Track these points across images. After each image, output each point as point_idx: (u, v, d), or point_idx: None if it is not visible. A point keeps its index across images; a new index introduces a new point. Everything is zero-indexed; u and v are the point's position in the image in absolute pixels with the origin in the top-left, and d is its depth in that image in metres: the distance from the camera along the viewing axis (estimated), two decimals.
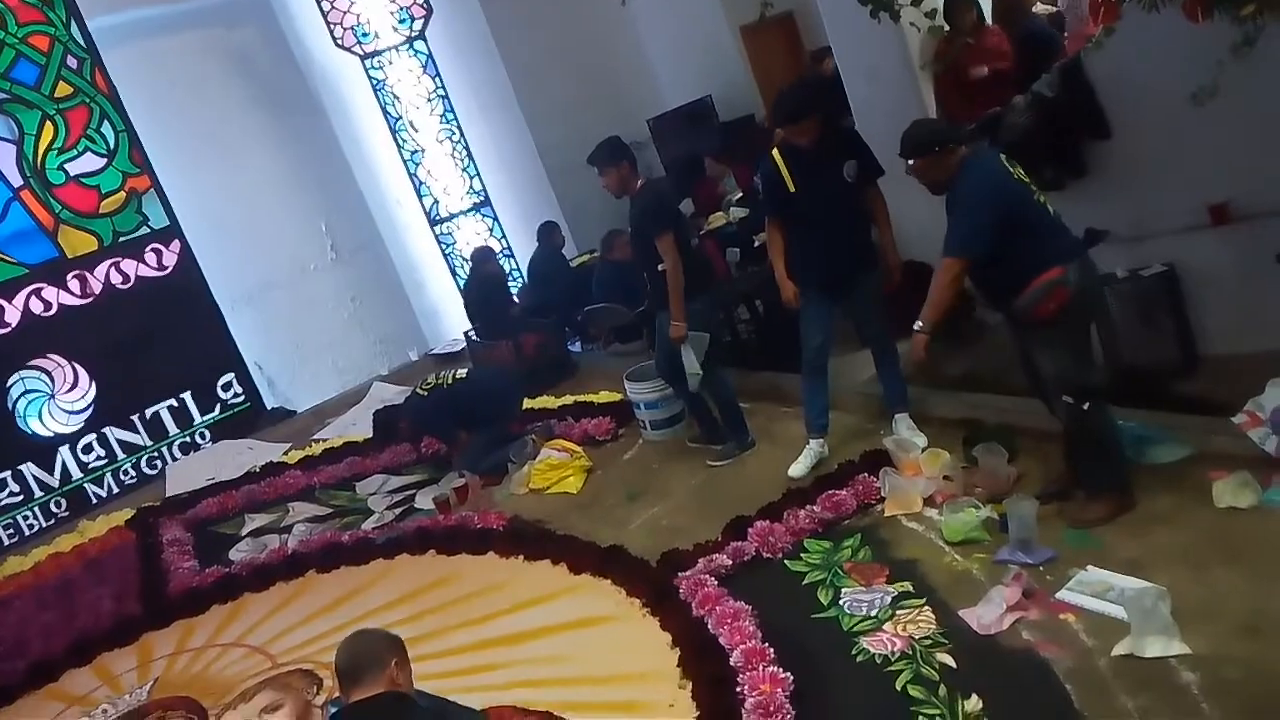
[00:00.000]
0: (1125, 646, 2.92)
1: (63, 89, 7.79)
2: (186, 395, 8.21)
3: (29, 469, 7.54)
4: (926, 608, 3.43)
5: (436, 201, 9.51)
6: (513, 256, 9.56)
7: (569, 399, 6.65)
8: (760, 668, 3.26)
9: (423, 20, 9.18)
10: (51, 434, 7.66)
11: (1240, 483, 3.43)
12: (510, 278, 9.15)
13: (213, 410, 8.35)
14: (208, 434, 8.28)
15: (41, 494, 7.60)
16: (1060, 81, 4.99)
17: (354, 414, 8.03)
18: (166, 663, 4.89)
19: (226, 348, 8.46)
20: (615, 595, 4.15)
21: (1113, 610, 3.08)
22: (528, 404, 6.58)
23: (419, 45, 9.26)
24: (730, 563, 4.03)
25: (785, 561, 4.00)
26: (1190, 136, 4.48)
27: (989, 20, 6.05)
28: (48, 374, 7.68)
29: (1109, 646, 2.95)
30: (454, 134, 9.44)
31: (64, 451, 7.68)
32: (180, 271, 8.26)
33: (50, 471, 7.62)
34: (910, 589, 3.56)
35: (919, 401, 4.80)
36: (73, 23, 7.81)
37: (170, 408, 8.13)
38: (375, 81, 9.21)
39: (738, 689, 3.21)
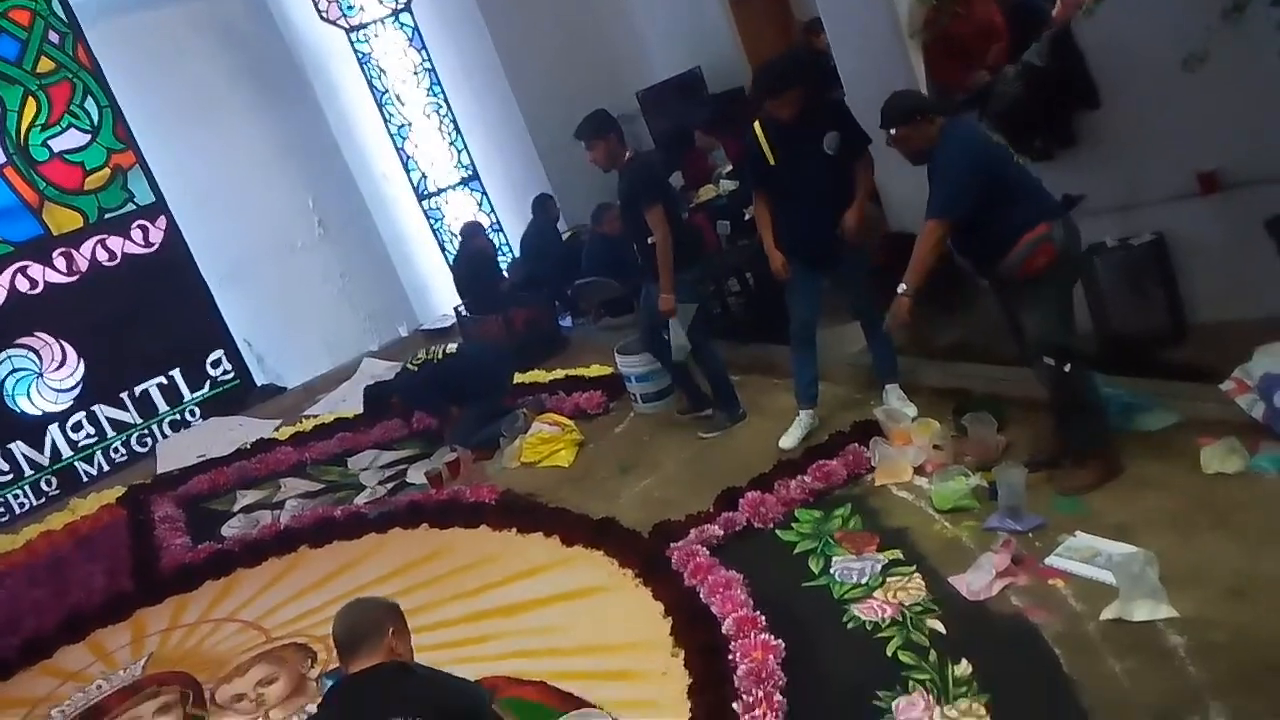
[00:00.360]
0: (1113, 610, 2.94)
1: (45, 64, 7.72)
2: (175, 373, 8.19)
3: (18, 447, 7.53)
4: (916, 575, 3.46)
5: (424, 176, 9.46)
6: (501, 231, 9.52)
7: (560, 373, 6.65)
8: (752, 635, 3.29)
9: None
10: (40, 412, 7.64)
11: (1228, 449, 3.45)
12: (499, 252, 9.12)
13: (202, 387, 8.33)
14: (198, 411, 8.26)
15: (32, 472, 7.59)
16: (1050, 50, 4.95)
17: (344, 390, 8.03)
18: (160, 638, 4.91)
19: (215, 325, 8.44)
20: (607, 566, 4.17)
21: (1101, 575, 3.11)
22: (518, 378, 6.58)
23: (405, 18, 9.17)
24: (722, 533, 4.05)
25: (776, 531, 4.02)
26: (1180, 104, 4.46)
27: None
28: (35, 352, 7.65)
29: (1097, 611, 2.98)
30: (441, 107, 9.37)
31: (53, 430, 7.67)
32: (167, 248, 8.21)
33: (40, 450, 7.61)
34: (900, 557, 3.59)
35: (909, 372, 4.81)
36: None
37: (159, 385, 8.12)
38: (361, 55, 9.13)
39: (729, 656, 3.24)
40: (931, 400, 4.58)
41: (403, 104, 9.27)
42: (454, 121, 9.41)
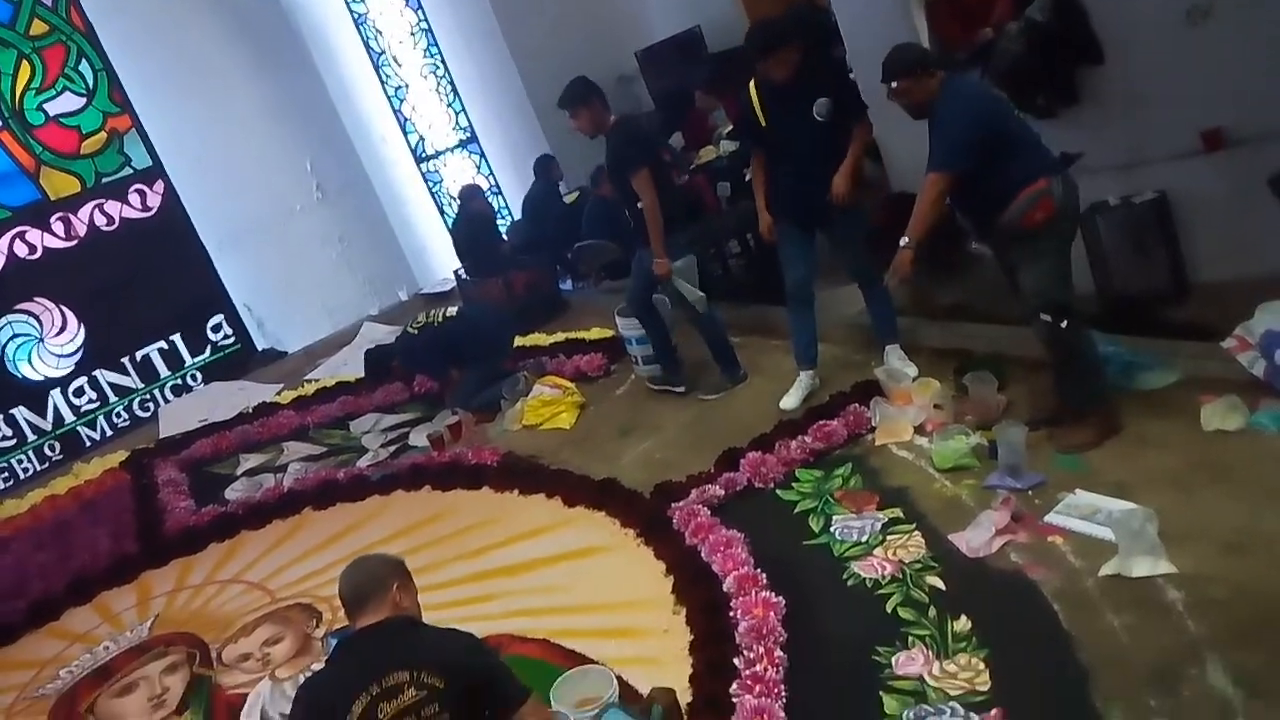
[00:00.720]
0: (1112, 567, 2.96)
1: (38, 27, 7.65)
2: (176, 337, 8.20)
3: (21, 412, 7.57)
4: (916, 533, 3.47)
5: (422, 138, 9.40)
6: (500, 194, 9.47)
7: (560, 336, 6.65)
8: (753, 593, 3.30)
9: None
10: (42, 378, 7.67)
11: (1229, 406, 3.45)
12: (499, 215, 9.07)
13: (203, 352, 8.34)
14: (199, 376, 8.28)
15: (35, 437, 7.63)
16: (1053, 6, 4.90)
17: (345, 354, 8.03)
18: (166, 600, 4.94)
19: (214, 289, 8.44)
20: (609, 526, 4.18)
21: (1100, 532, 3.11)
22: (519, 341, 6.57)
23: None
24: (723, 493, 4.06)
25: (777, 491, 4.03)
26: (1183, 60, 4.42)
27: None
28: (35, 317, 7.66)
29: (1096, 567, 2.99)
30: (438, 68, 9.29)
31: (55, 395, 7.70)
32: (165, 213, 8.20)
33: (42, 415, 7.65)
34: (900, 515, 3.60)
35: (910, 332, 4.80)
36: None
37: (160, 350, 8.14)
38: (357, 15, 9.04)
39: (731, 614, 3.26)
40: (932, 360, 4.58)
41: (399, 65, 9.19)
42: (451, 83, 9.33)
